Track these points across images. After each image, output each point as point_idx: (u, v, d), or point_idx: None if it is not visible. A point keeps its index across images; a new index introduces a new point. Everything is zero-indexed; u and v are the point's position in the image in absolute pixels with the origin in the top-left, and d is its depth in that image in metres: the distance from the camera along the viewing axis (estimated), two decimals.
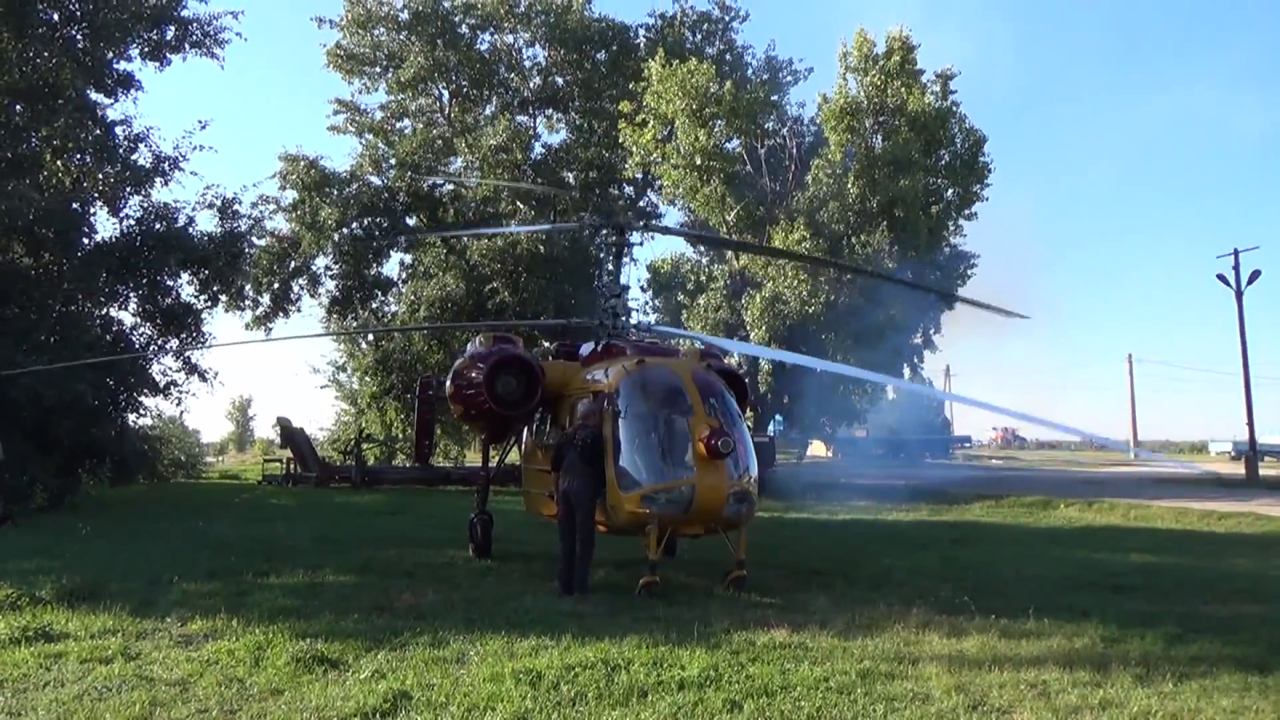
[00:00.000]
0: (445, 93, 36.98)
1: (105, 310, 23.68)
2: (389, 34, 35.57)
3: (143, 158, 23.67)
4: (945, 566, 12.95)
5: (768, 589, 10.55)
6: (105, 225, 23.70)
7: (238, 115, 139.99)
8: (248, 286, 30.93)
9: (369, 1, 35.05)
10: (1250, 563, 13.78)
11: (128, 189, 23.34)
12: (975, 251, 33.79)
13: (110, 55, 23.29)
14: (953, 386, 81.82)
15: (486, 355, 12.82)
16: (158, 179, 23.74)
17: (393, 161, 35.47)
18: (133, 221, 23.57)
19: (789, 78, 36.59)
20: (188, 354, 24.44)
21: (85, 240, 22.52)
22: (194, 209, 24.69)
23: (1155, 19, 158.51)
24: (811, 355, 27.02)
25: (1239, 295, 34.27)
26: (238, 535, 15.58)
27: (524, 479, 13.98)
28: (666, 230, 30.92)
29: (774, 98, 33.16)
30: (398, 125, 37.69)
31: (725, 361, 15.33)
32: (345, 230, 34.25)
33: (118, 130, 23.64)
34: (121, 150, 23.43)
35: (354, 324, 36.54)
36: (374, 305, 37.02)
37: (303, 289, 35.13)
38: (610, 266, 13.79)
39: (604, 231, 14.16)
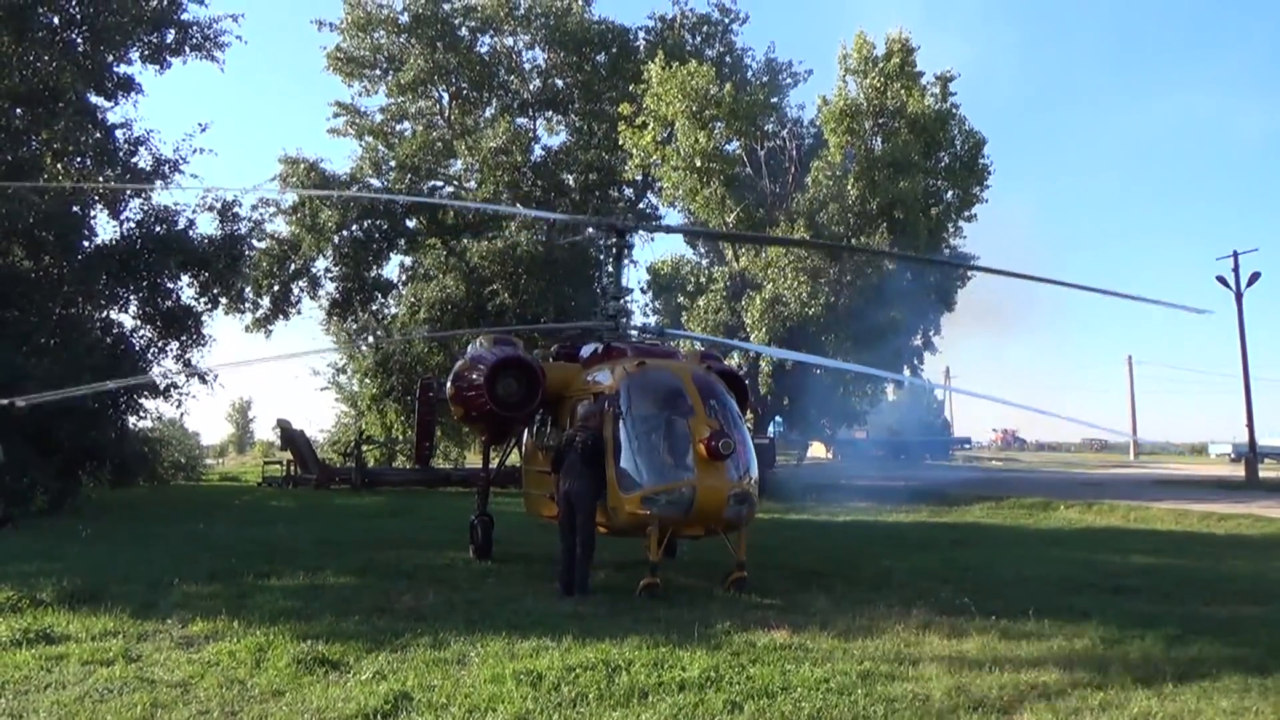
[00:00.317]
0: (445, 95, 37.02)
1: (105, 313, 23.69)
2: (389, 37, 35.60)
3: (143, 161, 23.69)
4: (945, 568, 12.96)
5: (768, 590, 10.55)
6: (105, 228, 23.74)
7: (238, 118, 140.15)
8: (248, 289, 30.92)
9: (369, 4, 35.08)
10: (1250, 564, 13.78)
11: (128, 192, 23.33)
12: (975, 253, 33.86)
13: (110, 58, 23.30)
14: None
15: (487, 357, 12.83)
16: (158, 182, 23.75)
17: (393, 164, 35.52)
18: (133, 224, 23.59)
19: (789, 80, 36.64)
20: (188, 356, 24.43)
21: (85, 243, 22.53)
22: (194, 212, 24.74)
23: (1155, 23, 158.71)
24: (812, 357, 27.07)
25: (1238, 297, 34.28)
26: (238, 537, 15.58)
27: (524, 481, 13.99)
28: (667, 229, 30.94)
29: (774, 100, 33.19)
30: (398, 128, 37.74)
31: (725, 363, 15.34)
32: (345, 232, 34.28)
33: (118, 133, 23.67)
34: (122, 153, 23.43)
35: (354, 326, 36.56)
36: (374, 307, 37.05)
37: (303, 291, 35.19)
38: (610, 269, 13.81)
39: (603, 234, 14.20)
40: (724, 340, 27.17)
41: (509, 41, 36.67)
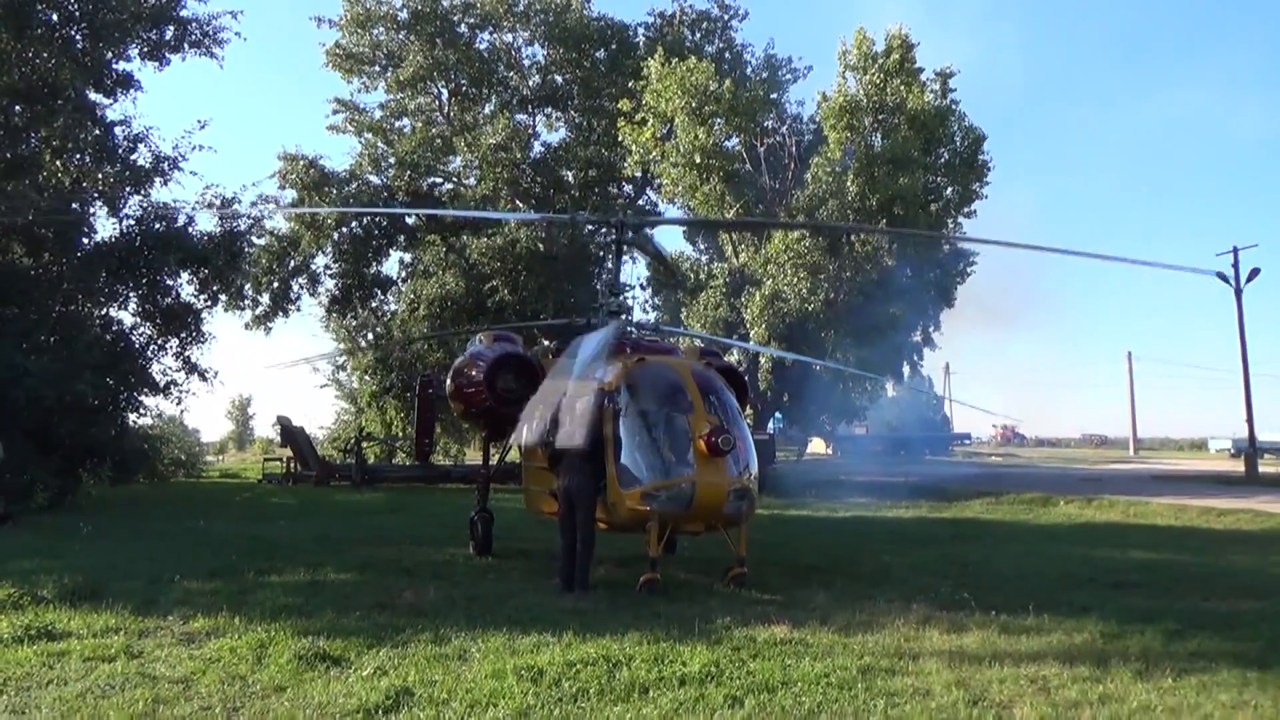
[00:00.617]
0: (444, 92, 36.98)
1: (105, 310, 23.69)
2: (388, 33, 35.56)
3: (142, 158, 23.67)
4: (945, 563, 12.98)
5: (768, 586, 10.56)
6: (105, 225, 23.73)
7: (237, 115, 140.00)
8: (247, 286, 30.92)
9: (368, 1, 35.04)
10: (1249, 559, 13.80)
11: (127, 189, 23.32)
12: (973, 250, 33.80)
13: (109, 55, 23.26)
14: (953, 384, 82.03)
15: (487, 354, 12.84)
16: (157, 179, 23.75)
17: (392, 160, 35.49)
18: (132, 221, 23.57)
19: (788, 76, 36.59)
20: (188, 354, 24.44)
21: (85, 240, 22.53)
22: (193, 209, 24.72)
23: (1156, 20, 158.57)
24: (811, 353, 27.09)
25: (1238, 293, 34.29)
26: (238, 534, 15.59)
27: (524, 477, 14.00)
28: (665, 221, 30.94)
29: (773, 96, 33.16)
30: (397, 124, 37.73)
31: (725, 359, 15.35)
32: (344, 229, 34.27)
33: (117, 130, 23.63)
34: (121, 150, 23.42)
35: (354, 322, 36.57)
36: (374, 304, 37.04)
37: (302, 288, 35.20)
38: (610, 264, 13.80)
39: (603, 230, 14.21)
40: (721, 339, 27.17)
41: (508, 38, 36.63)
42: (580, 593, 10.18)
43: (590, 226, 30.27)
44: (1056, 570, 12.37)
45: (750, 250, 31.44)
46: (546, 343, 16.82)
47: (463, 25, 35.81)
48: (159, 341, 24.47)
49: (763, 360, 29.56)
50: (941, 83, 30.27)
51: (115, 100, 23.98)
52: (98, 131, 23.06)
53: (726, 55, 36.26)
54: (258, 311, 33.65)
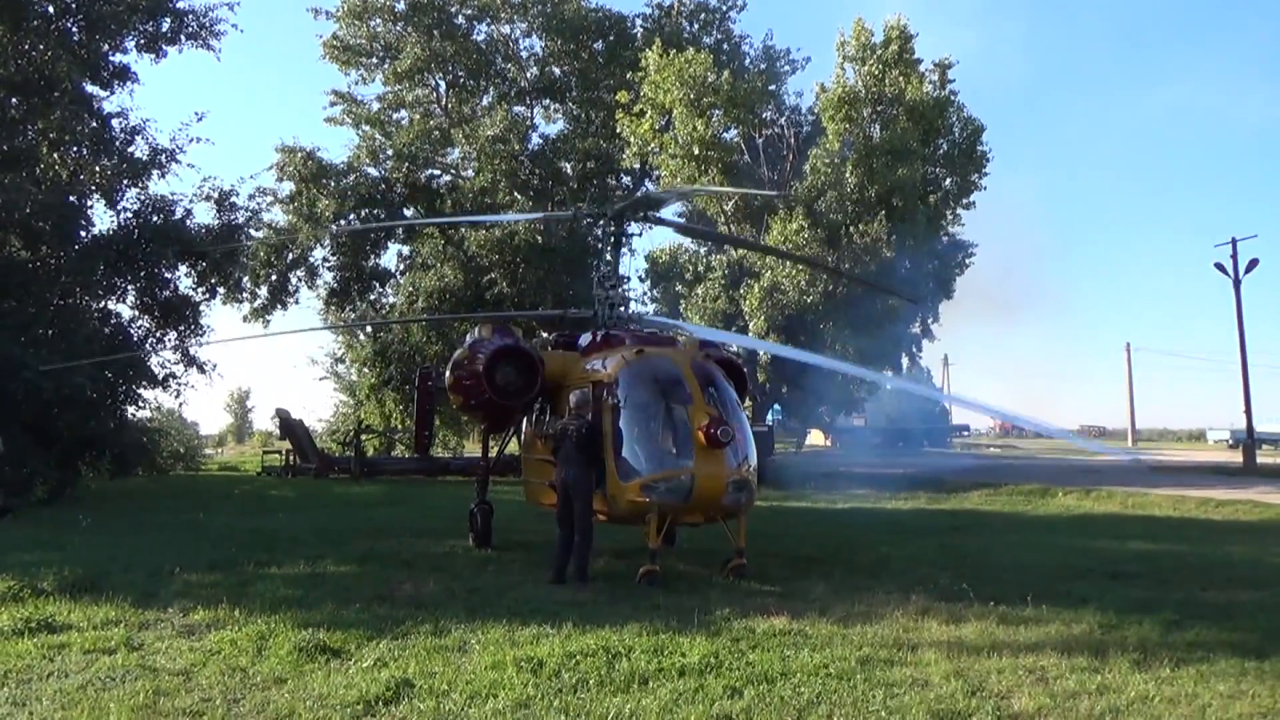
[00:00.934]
0: (442, 83, 36.94)
1: (103, 303, 23.62)
2: (385, 25, 35.49)
3: (139, 150, 23.59)
4: (944, 554, 13.00)
5: (767, 577, 10.59)
6: (103, 218, 23.62)
7: (234, 107, 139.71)
8: (245, 279, 30.85)
9: None
10: (1248, 550, 13.82)
11: (125, 181, 23.26)
12: (973, 241, 33.85)
13: (106, 47, 23.18)
14: (951, 376, 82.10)
15: (486, 345, 12.83)
16: (155, 171, 23.68)
17: (390, 152, 35.42)
18: (130, 214, 23.51)
19: (786, 67, 36.60)
20: (187, 346, 24.41)
21: (83, 233, 22.46)
22: (191, 201, 24.66)
23: (1158, 10, 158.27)
24: (810, 345, 27.09)
25: (1237, 284, 34.25)
26: (238, 526, 15.59)
27: (524, 469, 14.01)
28: (662, 222, 30.89)
29: (772, 87, 33.15)
30: (395, 116, 37.67)
31: (723, 351, 15.34)
32: (343, 221, 34.22)
33: (114, 123, 23.54)
34: (118, 143, 23.33)
35: (352, 315, 36.54)
36: (372, 297, 37.01)
37: (300, 281, 35.16)
38: (609, 257, 13.79)
39: (601, 222, 14.18)
40: (719, 333, 27.17)
41: (506, 29, 36.59)
42: (580, 584, 10.19)
43: (588, 219, 30.23)
44: (1055, 561, 12.39)
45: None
46: (545, 335, 16.79)
47: (460, 17, 35.75)
48: (157, 334, 24.44)
49: (761, 352, 29.56)
50: (940, 74, 30.25)
51: (112, 93, 23.94)
52: (95, 124, 22.99)
53: (725, 46, 36.23)
54: (256, 304, 33.63)
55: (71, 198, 21.87)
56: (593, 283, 14.07)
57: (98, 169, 22.77)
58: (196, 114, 36.17)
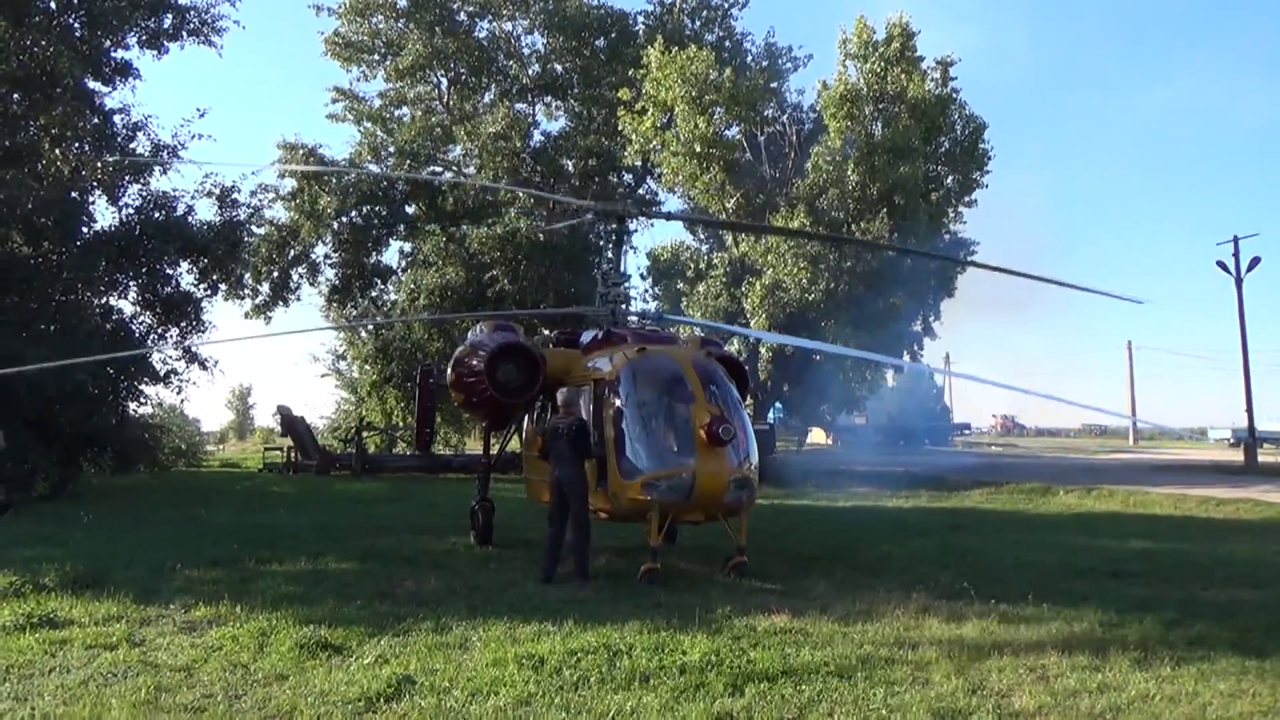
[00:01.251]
0: (444, 80, 36.90)
1: (105, 299, 23.63)
2: (387, 21, 35.46)
3: (141, 146, 23.59)
4: (945, 553, 13.00)
5: (768, 575, 10.60)
6: (104, 214, 23.64)
7: (236, 103, 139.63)
8: (247, 275, 30.86)
9: None
10: (1248, 548, 13.82)
11: (126, 178, 23.27)
12: (975, 239, 33.79)
13: (108, 43, 23.18)
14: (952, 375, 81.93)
15: (487, 343, 12.83)
16: (156, 167, 23.68)
17: (391, 149, 35.41)
18: (132, 210, 23.52)
19: (788, 65, 36.47)
20: (188, 343, 24.42)
21: (84, 229, 22.47)
22: (193, 198, 24.67)
23: (1160, 8, 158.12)
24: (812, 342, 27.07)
25: (1239, 282, 34.25)
26: (239, 523, 15.63)
27: (525, 466, 14.02)
28: (667, 216, 30.92)
29: (774, 85, 33.08)
30: (396, 113, 37.64)
31: (725, 349, 15.34)
32: (344, 218, 34.21)
33: (116, 119, 23.56)
34: (120, 139, 23.34)
35: (354, 312, 36.53)
36: (373, 294, 37.01)
37: (302, 277, 35.14)
38: (610, 255, 13.79)
39: (603, 220, 14.18)
40: (723, 325, 27.16)
41: (508, 26, 36.54)
42: (581, 582, 10.20)
43: (591, 215, 30.26)
44: (1056, 559, 12.39)
45: (750, 240, 31.38)
46: (547, 332, 16.80)
47: (462, 13, 35.72)
48: (159, 330, 24.45)
49: (763, 350, 29.55)
50: (942, 71, 30.19)
51: (114, 88, 23.95)
52: (97, 120, 23.00)
53: (726, 44, 36.17)
54: (258, 301, 33.62)
55: (73, 194, 21.88)
56: (595, 280, 14.08)
57: (99, 165, 22.78)
58: (198, 110, 36.36)
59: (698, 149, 29.55)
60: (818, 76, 40.63)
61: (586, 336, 13.27)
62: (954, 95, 30.28)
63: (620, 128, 32.08)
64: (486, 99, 36.86)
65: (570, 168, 36.18)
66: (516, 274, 32.26)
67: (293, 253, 34.32)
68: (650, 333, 13.23)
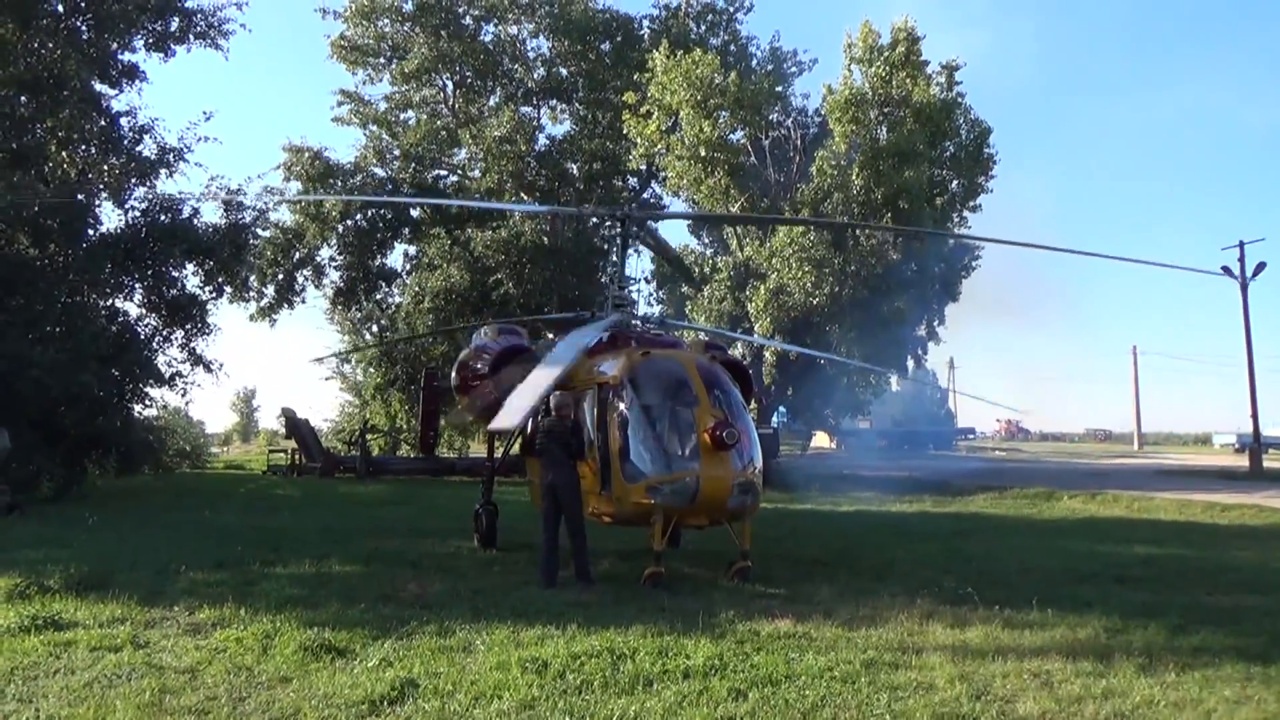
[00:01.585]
0: (449, 84, 36.98)
1: (111, 301, 23.72)
2: (393, 25, 35.55)
3: (147, 149, 23.69)
4: (949, 558, 12.98)
5: (772, 580, 10.58)
6: (110, 216, 23.76)
7: (242, 107, 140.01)
8: (252, 278, 30.95)
9: None
10: (1253, 555, 13.78)
11: (133, 180, 23.35)
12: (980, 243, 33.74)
13: (115, 46, 23.29)
14: (956, 379, 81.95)
15: (491, 347, 12.86)
16: (162, 170, 23.77)
17: (397, 153, 35.48)
18: (138, 213, 23.60)
19: (793, 69, 36.55)
20: (193, 345, 24.48)
21: (90, 231, 22.54)
22: (199, 200, 24.76)
23: (1167, 12, 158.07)
24: (816, 347, 27.09)
25: (1244, 287, 34.19)
26: (244, 525, 15.64)
27: (528, 470, 14.02)
28: (671, 215, 30.94)
29: (778, 89, 33.07)
30: (402, 116, 37.72)
31: (729, 353, 15.35)
32: (349, 221, 34.28)
33: (122, 121, 23.67)
34: (126, 141, 23.44)
35: (359, 315, 36.63)
36: (378, 296, 37.08)
37: (307, 280, 35.22)
38: (615, 258, 13.81)
39: (608, 223, 14.22)
40: (725, 332, 27.15)
41: (513, 30, 36.61)
42: (583, 585, 10.20)
43: (595, 220, 30.36)
44: (1060, 565, 12.36)
45: (755, 244, 31.41)
46: (551, 336, 16.83)
47: (468, 17, 35.80)
48: (164, 333, 24.51)
49: (767, 354, 29.56)
50: (947, 76, 30.18)
51: (120, 91, 24.06)
52: (103, 122, 23.09)
53: (732, 48, 36.20)
54: (263, 303, 33.73)
55: (79, 196, 21.95)
56: (599, 284, 14.11)
57: (106, 167, 22.85)
58: (204, 113, 36.46)
59: (702, 153, 29.57)
60: (823, 81, 40.60)
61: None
62: (959, 100, 30.27)
63: (625, 131, 32.12)
64: (492, 102, 36.93)
65: (575, 171, 36.21)
66: (521, 277, 32.30)
67: (298, 255, 34.41)
68: (655, 336, 13.25)
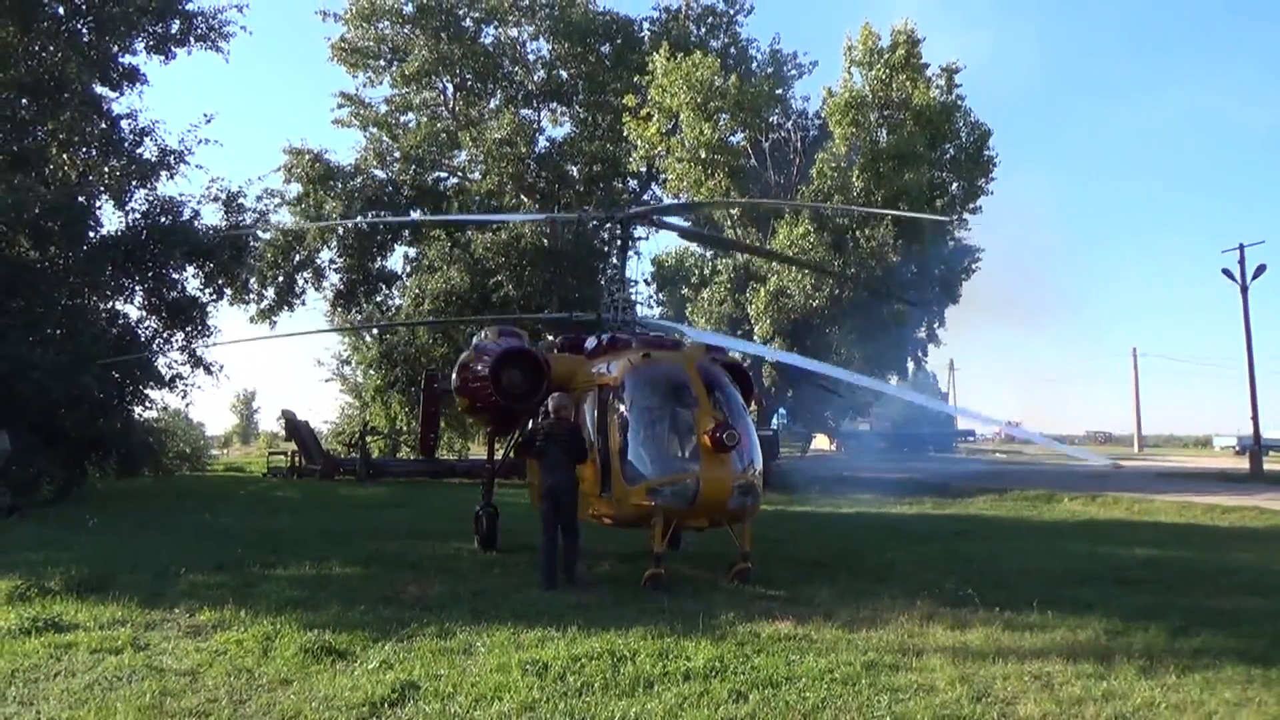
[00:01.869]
0: (449, 86, 37.01)
1: (111, 303, 23.73)
2: (393, 27, 35.59)
3: (148, 151, 23.70)
4: (949, 559, 12.97)
5: (772, 581, 10.58)
6: (111, 219, 23.73)
7: (242, 109, 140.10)
8: (252, 280, 30.96)
9: None
10: (1253, 557, 13.77)
11: (133, 182, 23.36)
12: (980, 245, 33.84)
13: (115, 49, 23.30)
14: (957, 380, 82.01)
15: (492, 348, 12.84)
16: (163, 173, 23.78)
17: (397, 155, 35.51)
18: (138, 215, 23.60)
19: (793, 71, 36.56)
20: (193, 347, 24.49)
21: (91, 234, 22.55)
22: (199, 203, 24.77)
23: (1169, 13, 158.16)
24: (816, 350, 27.09)
25: (1244, 289, 34.20)
26: (244, 527, 15.64)
27: (529, 472, 14.01)
28: (669, 226, 30.94)
29: (779, 91, 33.12)
30: (402, 119, 37.76)
31: (729, 354, 15.35)
32: (349, 224, 34.30)
33: (123, 124, 23.68)
34: (127, 144, 23.45)
35: (359, 317, 36.63)
36: (378, 298, 37.09)
37: (307, 282, 35.27)
38: (615, 260, 13.81)
39: (609, 225, 14.22)
40: (723, 338, 27.13)
41: (513, 32, 36.62)
42: (572, 587, 10.19)
43: (595, 222, 30.38)
44: (1060, 567, 12.35)
45: (756, 245, 31.39)
46: (551, 337, 16.81)
47: (468, 19, 35.83)
48: (164, 335, 24.51)
49: (767, 356, 29.55)
50: (947, 78, 30.23)
51: (121, 93, 24.09)
52: (104, 125, 23.10)
53: (732, 50, 36.24)
54: (263, 305, 33.75)
55: (80, 198, 21.96)
56: (599, 286, 14.11)
57: (106, 170, 22.85)
58: (205, 115, 36.41)
59: (702, 155, 29.60)
60: (823, 83, 40.69)
61: (591, 342, 13.28)
62: (959, 102, 30.30)
63: (625, 134, 32.16)
64: (492, 105, 36.96)
65: (575, 173, 36.24)
66: (521, 279, 32.32)
67: (298, 257, 34.44)
68: (655, 338, 13.24)
